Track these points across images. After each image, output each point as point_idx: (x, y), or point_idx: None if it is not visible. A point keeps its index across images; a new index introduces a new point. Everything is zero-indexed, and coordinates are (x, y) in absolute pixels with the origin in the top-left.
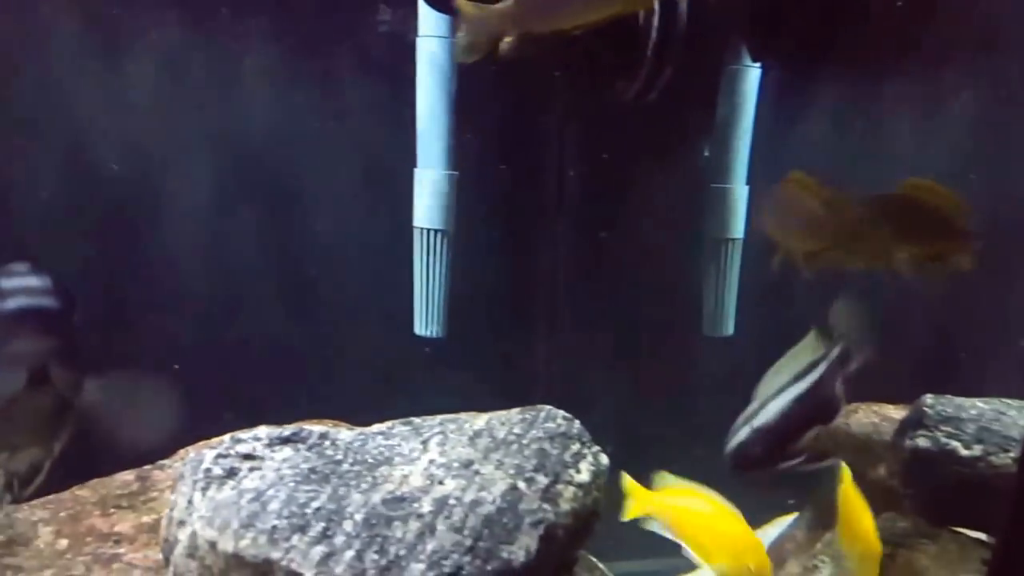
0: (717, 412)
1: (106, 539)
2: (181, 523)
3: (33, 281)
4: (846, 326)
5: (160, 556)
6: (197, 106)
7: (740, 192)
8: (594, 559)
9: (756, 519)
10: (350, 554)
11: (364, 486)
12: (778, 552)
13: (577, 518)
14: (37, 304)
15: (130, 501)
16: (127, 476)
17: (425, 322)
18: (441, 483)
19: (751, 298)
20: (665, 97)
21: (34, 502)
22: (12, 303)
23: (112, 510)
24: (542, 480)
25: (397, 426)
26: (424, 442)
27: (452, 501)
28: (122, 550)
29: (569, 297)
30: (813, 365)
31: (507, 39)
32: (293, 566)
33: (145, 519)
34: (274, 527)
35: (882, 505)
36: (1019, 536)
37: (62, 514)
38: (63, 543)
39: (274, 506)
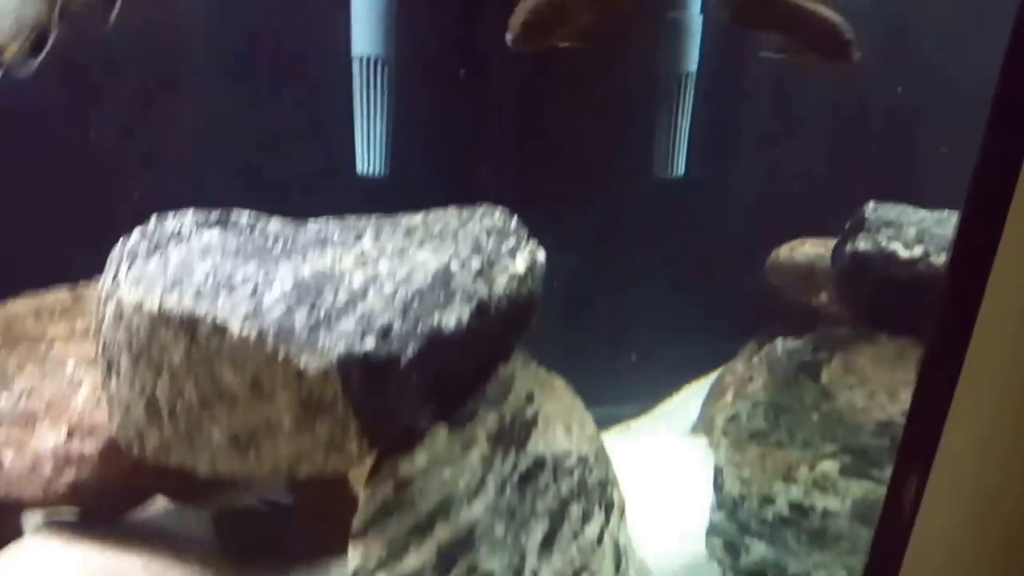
0: (664, 253)
1: (39, 341)
2: (108, 298)
3: None
4: None
5: (93, 352)
6: None
7: (694, 21)
8: (532, 360)
9: (700, 369)
10: (279, 310)
11: (293, 263)
12: (720, 385)
13: (512, 304)
14: None
15: (64, 312)
16: (61, 292)
17: (367, 159)
18: (373, 263)
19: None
20: None
21: None
22: None
23: (46, 319)
24: (476, 263)
25: (330, 222)
26: (358, 235)
27: (383, 277)
28: (55, 349)
29: (518, 131)
30: None
31: None
32: (219, 320)
33: (79, 324)
34: (199, 289)
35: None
36: (948, 335)
37: None
38: None
39: (200, 272)
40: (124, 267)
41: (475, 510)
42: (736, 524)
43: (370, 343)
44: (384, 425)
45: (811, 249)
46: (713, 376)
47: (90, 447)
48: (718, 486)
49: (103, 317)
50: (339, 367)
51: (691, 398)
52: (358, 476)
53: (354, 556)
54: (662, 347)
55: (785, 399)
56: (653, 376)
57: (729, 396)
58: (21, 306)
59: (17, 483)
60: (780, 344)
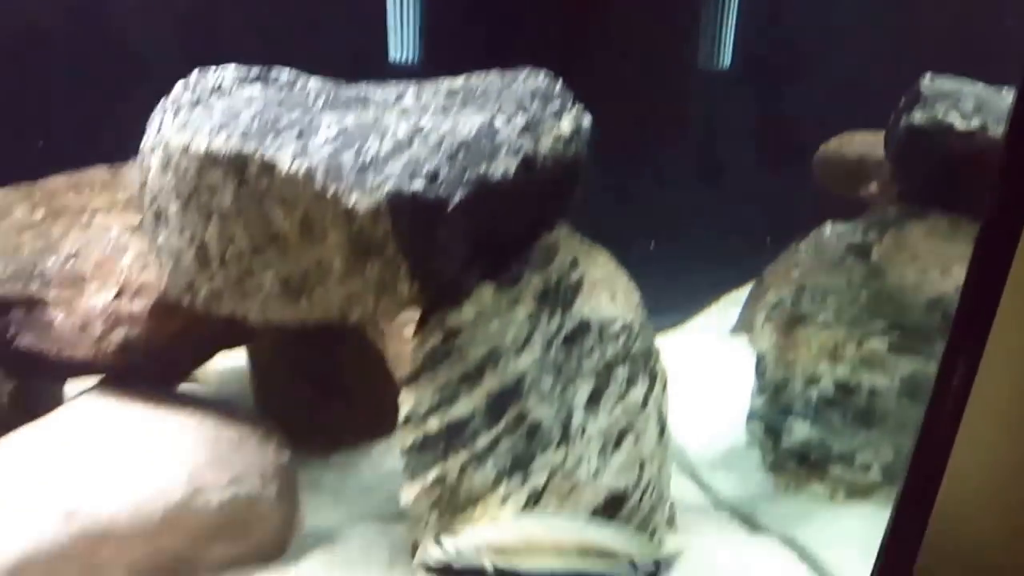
0: (707, 148)
1: (81, 212)
2: (153, 149)
3: None
4: None
5: (136, 221)
6: None
7: None
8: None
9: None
10: (327, 151)
11: (337, 114)
12: (761, 286)
13: (558, 166)
14: None
15: (104, 187)
16: (100, 171)
17: (400, 45)
18: (417, 118)
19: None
20: None
21: (3, 188)
22: None
23: (87, 193)
24: (521, 120)
25: (370, 84)
26: (399, 95)
27: (428, 129)
28: (98, 218)
29: (557, 17)
30: None
31: None
32: (267, 158)
33: (120, 196)
34: (246, 130)
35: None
36: (1006, 205)
37: (36, 195)
38: (39, 214)
39: (246, 116)
40: (169, 117)
41: (523, 362)
42: (778, 407)
43: (419, 184)
44: (433, 270)
45: (860, 143)
46: (751, 285)
47: (139, 306)
48: (760, 372)
49: (148, 169)
50: (389, 205)
51: (730, 306)
52: (399, 358)
53: (406, 402)
54: (701, 253)
55: (832, 280)
56: (692, 285)
57: (771, 294)
58: (60, 181)
59: (69, 341)
60: (829, 227)
